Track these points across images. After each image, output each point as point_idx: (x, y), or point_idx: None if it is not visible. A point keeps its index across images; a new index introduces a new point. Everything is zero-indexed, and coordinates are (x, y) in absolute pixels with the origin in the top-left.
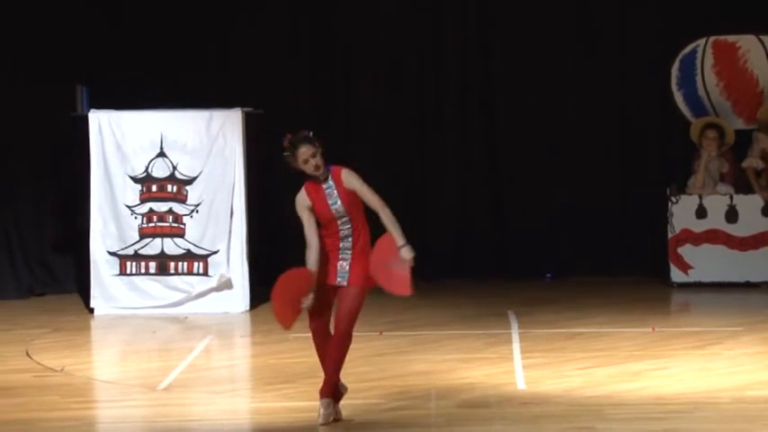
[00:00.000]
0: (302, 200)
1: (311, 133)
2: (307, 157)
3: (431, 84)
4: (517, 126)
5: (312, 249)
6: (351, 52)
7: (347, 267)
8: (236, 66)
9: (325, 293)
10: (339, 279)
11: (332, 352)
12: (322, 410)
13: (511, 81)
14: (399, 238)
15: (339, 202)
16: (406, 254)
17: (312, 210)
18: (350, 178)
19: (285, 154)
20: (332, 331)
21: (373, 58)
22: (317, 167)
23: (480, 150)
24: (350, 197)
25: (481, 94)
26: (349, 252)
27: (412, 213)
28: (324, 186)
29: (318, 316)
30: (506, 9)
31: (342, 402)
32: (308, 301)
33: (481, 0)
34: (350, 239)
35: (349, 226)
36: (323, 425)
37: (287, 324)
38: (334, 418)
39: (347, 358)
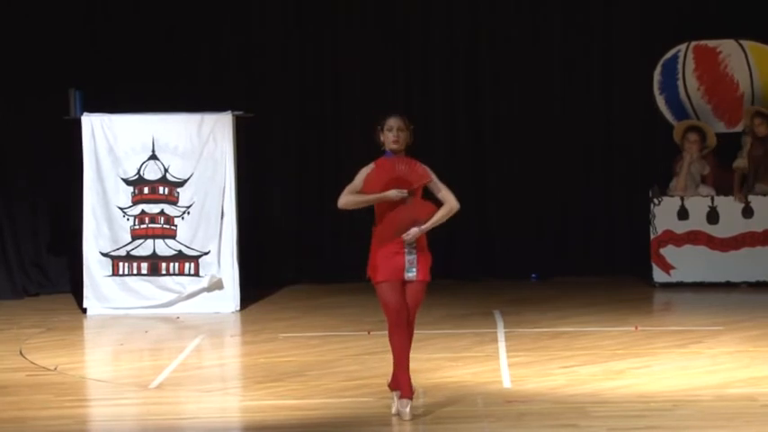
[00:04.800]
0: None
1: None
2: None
3: (418, 87)
4: (503, 128)
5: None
6: (340, 56)
7: (415, 262)
8: (228, 70)
9: (400, 289)
10: (409, 274)
11: (408, 347)
12: (409, 408)
13: (497, 84)
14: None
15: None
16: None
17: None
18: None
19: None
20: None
21: (363, 63)
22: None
23: (467, 153)
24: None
25: (467, 98)
26: (414, 246)
27: None
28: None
29: (401, 311)
30: (492, 12)
31: (330, 400)
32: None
33: (471, 7)
34: None
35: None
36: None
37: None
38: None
39: (336, 357)
